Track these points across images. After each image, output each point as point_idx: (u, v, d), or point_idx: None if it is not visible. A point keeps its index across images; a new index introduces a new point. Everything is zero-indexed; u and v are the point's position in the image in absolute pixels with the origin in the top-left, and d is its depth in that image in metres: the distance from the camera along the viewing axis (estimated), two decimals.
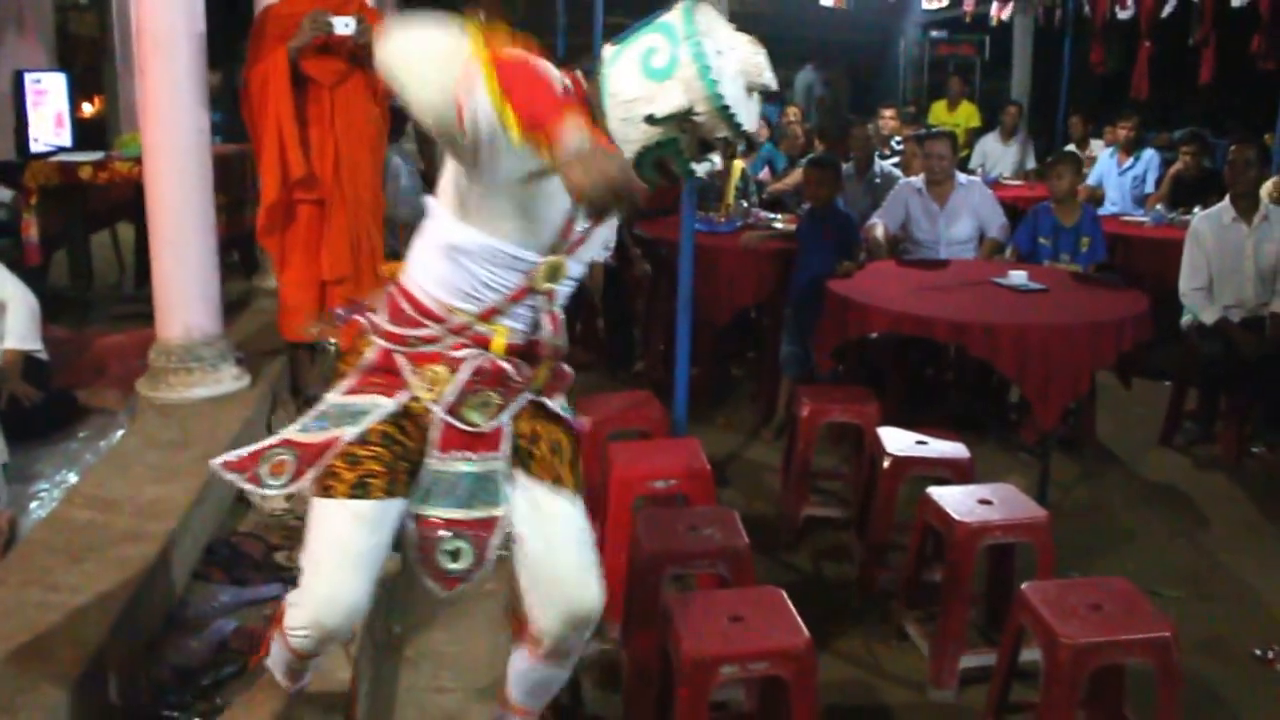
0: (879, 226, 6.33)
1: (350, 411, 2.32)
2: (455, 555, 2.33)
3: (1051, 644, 2.98)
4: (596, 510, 4.14)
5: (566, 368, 2.56)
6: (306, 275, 4.69)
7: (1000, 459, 5.60)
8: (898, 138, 9.72)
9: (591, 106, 2.15)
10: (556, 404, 2.52)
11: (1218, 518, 5.13)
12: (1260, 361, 5.48)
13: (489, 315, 2.29)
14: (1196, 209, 6.61)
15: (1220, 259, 5.74)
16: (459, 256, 2.24)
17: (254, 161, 4.78)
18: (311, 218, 4.66)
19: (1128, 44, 11.36)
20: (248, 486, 2.37)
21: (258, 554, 3.56)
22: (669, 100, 2.10)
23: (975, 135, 11.29)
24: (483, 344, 2.31)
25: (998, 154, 10.44)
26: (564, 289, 2.36)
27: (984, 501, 3.72)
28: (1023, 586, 3.21)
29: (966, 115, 11.96)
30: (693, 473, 3.96)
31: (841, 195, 6.10)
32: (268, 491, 2.34)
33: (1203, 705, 3.63)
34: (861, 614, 4.23)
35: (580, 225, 2.27)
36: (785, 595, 3.13)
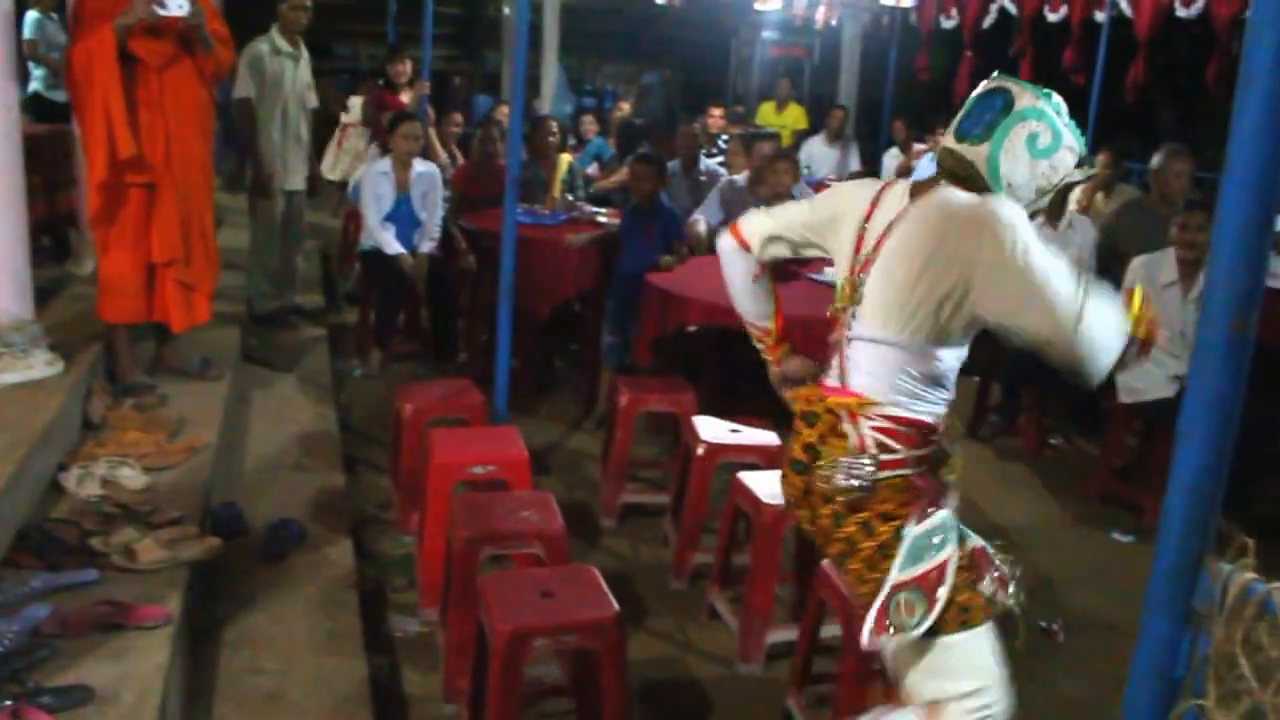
0: (701, 222, 6.59)
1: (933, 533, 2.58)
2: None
3: (849, 616, 3.23)
4: (417, 495, 4.30)
5: None
6: (135, 256, 4.73)
7: None
8: (725, 136, 10.05)
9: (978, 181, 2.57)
10: None
11: (1017, 504, 5.53)
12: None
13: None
14: None
15: None
16: (950, 375, 2.65)
17: (74, 142, 4.78)
18: (141, 200, 4.71)
19: (952, 52, 11.93)
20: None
21: (72, 539, 3.59)
22: (1065, 164, 2.59)
23: (802, 137, 11.72)
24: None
25: (822, 155, 10.87)
26: None
27: None
28: (822, 563, 3.47)
29: (794, 117, 12.39)
30: (510, 459, 4.13)
31: (666, 191, 6.35)
32: (914, 633, 2.51)
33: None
34: (676, 595, 4.47)
35: None
36: (597, 572, 3.32)
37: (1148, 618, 1.52)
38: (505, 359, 4.93)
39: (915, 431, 2.63)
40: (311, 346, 6.99)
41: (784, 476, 2.87)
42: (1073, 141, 2.58)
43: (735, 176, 6.88)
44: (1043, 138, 2.55)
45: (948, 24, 11.55)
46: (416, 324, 7.35)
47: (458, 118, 8.81)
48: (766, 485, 3.95)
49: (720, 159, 8.61)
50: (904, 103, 12.37)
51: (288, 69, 6.90)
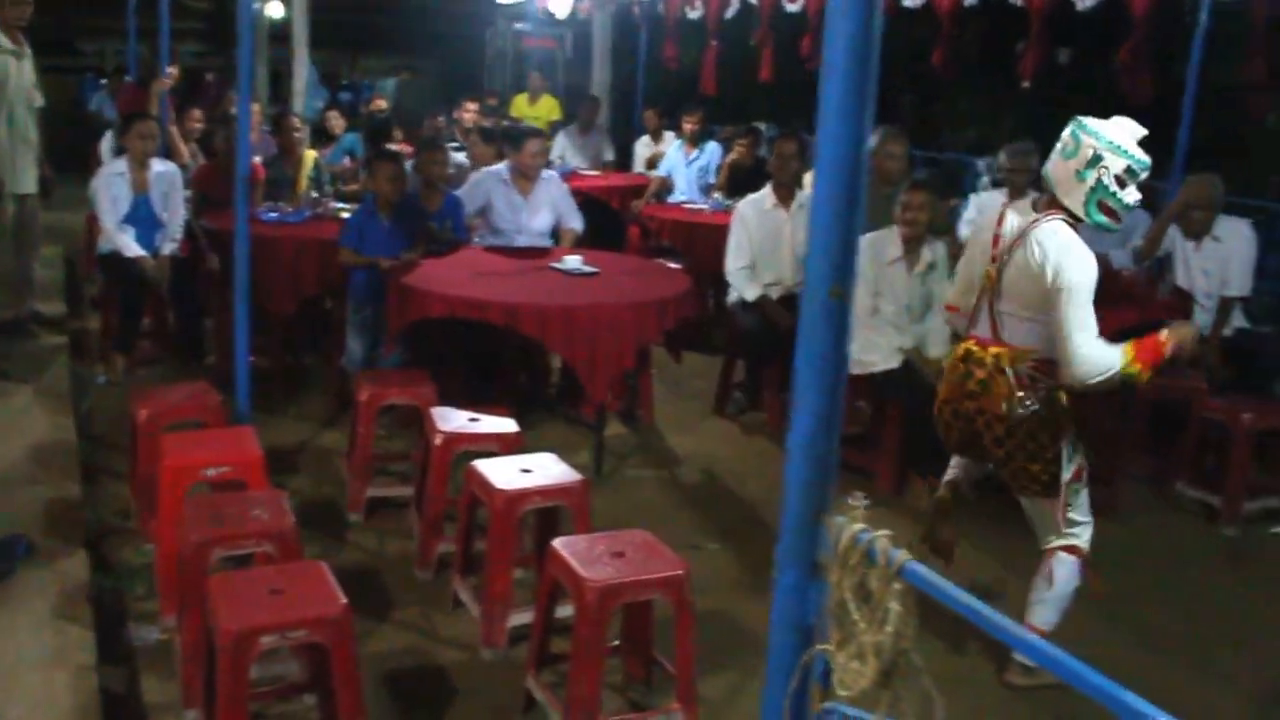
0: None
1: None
2: None
3: (579, 588, 3.31)
4: (154, 502, 4.18)
5: None
6: None
7: (565, 433, 5.99)
8: (483, 125, 10.03)
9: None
10: None
11: (759, 478, 5.72)
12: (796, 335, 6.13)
13: None
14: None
15: (762, 241, 6.34)
16: None
17: None
18: None
19: (699, 42, 12.16)
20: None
21: None
22: (1082, 159, 3.53)
23: (556, 127, 11.78)
24: None
25: (576, 146, 10.95)
26: None
27: (525, 471, 4.04)
28: (553, 542, 3.53)
29: (548, 108, 12.45)
30: (245, 459, 4.06)
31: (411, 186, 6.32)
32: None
33: (730, 636, 4.10)
34: (422, 585, 4.47)
35: None
36: (326, 567, 3.30)
37: (779, 571, 1.61)
38: (244, 358, 4.84)
39: (1052, 368, 3.65)
40: (51, 354, 6.69)
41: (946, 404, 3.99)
42: (1095, 144, 3.52)
43: (498, 167, 6.82)
44: (1065, 142, 3.60)
45: (693, 14, 11.75)
46: (162, 327, 7.11)
47: (198, 114, 8.51)
48: (501, 472, 3.99)
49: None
50: (655, 92, 12.56)
51: (11, 68, 6.56)
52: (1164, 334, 3.67)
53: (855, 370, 5.49)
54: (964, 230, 6.95)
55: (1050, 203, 3.69)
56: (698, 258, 7.38)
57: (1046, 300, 3.60)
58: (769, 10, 10.78)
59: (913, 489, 5.44)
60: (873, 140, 6.49)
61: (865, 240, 5.60)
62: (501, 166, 6.79)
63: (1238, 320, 6.12)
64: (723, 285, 6.79)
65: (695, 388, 6.86)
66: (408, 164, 6.53)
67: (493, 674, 3.92)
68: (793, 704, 1.60)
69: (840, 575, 1.55)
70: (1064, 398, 3.71)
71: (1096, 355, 3.56)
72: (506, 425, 4.54)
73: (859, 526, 1.56)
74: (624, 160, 11.30)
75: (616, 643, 3.83)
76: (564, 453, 4.38)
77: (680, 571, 3.40)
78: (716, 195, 8.74)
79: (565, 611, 3.67)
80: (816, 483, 1.58)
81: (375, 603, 4.32)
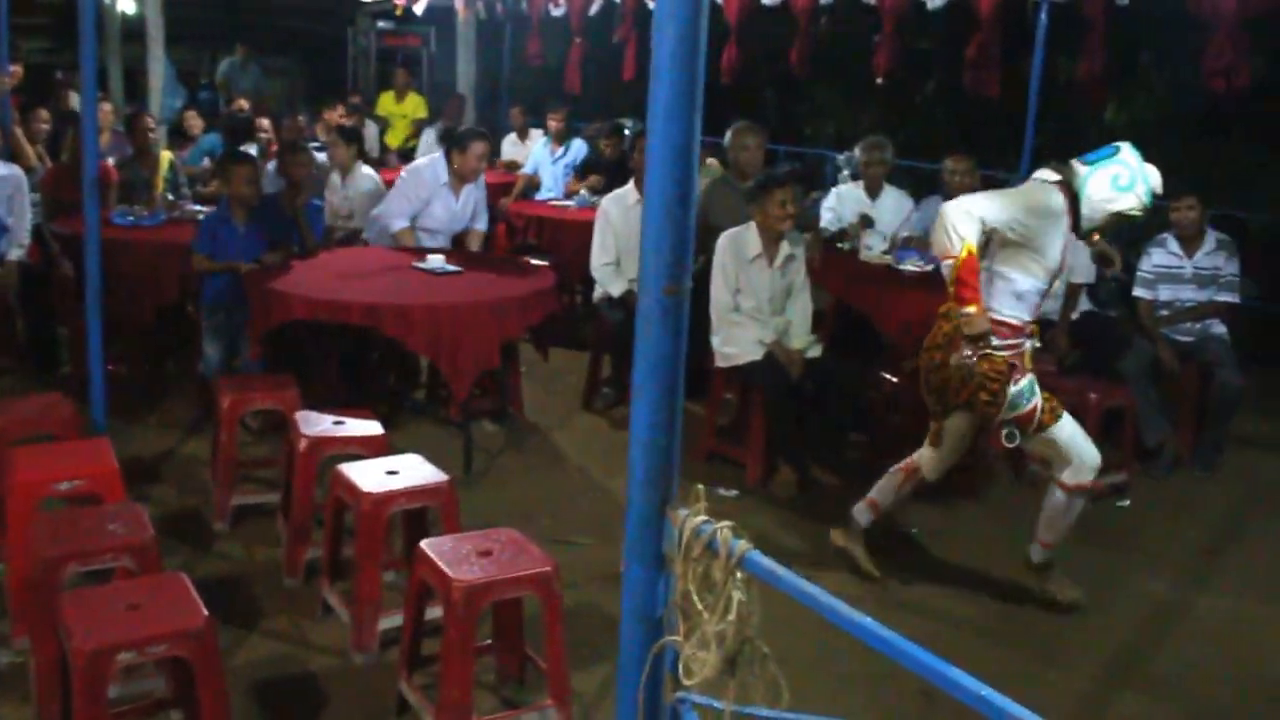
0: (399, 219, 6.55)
1: (1026, 391, 4.35)
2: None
3: (446, 589, 3.29)
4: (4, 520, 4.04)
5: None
6: None
7: (434, 433, 5.95)
8: (348, 125, 9.88)
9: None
10: None
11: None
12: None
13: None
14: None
15: (626, 237, 6.36)
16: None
17: None
18: None
19: (563, 39, 12.14)
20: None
21: None
22: (1126, 203, 4.22)
23: (423, 125, 11.67)
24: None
25: None
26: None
27: (391, 473, 4.00)
28: (420, 543, 3.50)
29: (414, 106, 12.32)
30: (99, 472, 3.95)
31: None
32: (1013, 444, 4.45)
33: (602, 629, 4.11)
34: (291, 593, 4.40)
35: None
36: (187, 579, 3.23)
37: (626, 566, 1.63)
38: (98, 367, 4.71)
39: (1001, 327, 4.31)
40: None
41: (925, 352, 4.49)
42: (1141, 192, 4.20)
43: (438, 169, 6.70)
44: (1122, 178, 4.21)
45: (557, 12, 11.74)
46: (12, 336, 6.86)
47: (45, 114, 8.21)
48: (367, 475, 3.95)
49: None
50: (520, 90, 12.52)
51: None
52: (987, 314, 4.27)
53: (720, 364, 5.60)
54: (826, 218, 7.08)
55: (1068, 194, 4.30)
56: (564, 254, 7.39)
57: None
58: (632, 8, 10.81)
59: (781, 476, 5.52)
60: (727, 136, 6.59)
61: (725, 237, 5.65)
62: (440, 168, 6.64)
63: (1083, 304, 6.32)
64: (590, 282, 6.81)
65: (564, 384, 6.86)
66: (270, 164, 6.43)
67: (364, 679, 3.87)
68: (646, 695, 1.61)
69: (685, 567, 1.57)
70: (1002, 359, 4.30)
71: (961, 212, 4.21)
72: (372, 427, 4.49)
73: (701, 519, 1.58)
74: (490, 158, 11.22)
75: (489, 642, 3.82)
76: (433, 453, 4.35)
77: (548, 568, 3.41)
78: (582, 191, 8.74)
79: (436, 613, 3.64)
80: (659, 477, 1.60)
81: (242, 612, 4.24)
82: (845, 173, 8.39)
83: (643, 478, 1.60)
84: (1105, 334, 6.32)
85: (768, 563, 1.49)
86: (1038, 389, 4.39)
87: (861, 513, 4.75)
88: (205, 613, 3.05)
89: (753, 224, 5.59)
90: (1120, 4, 7.21)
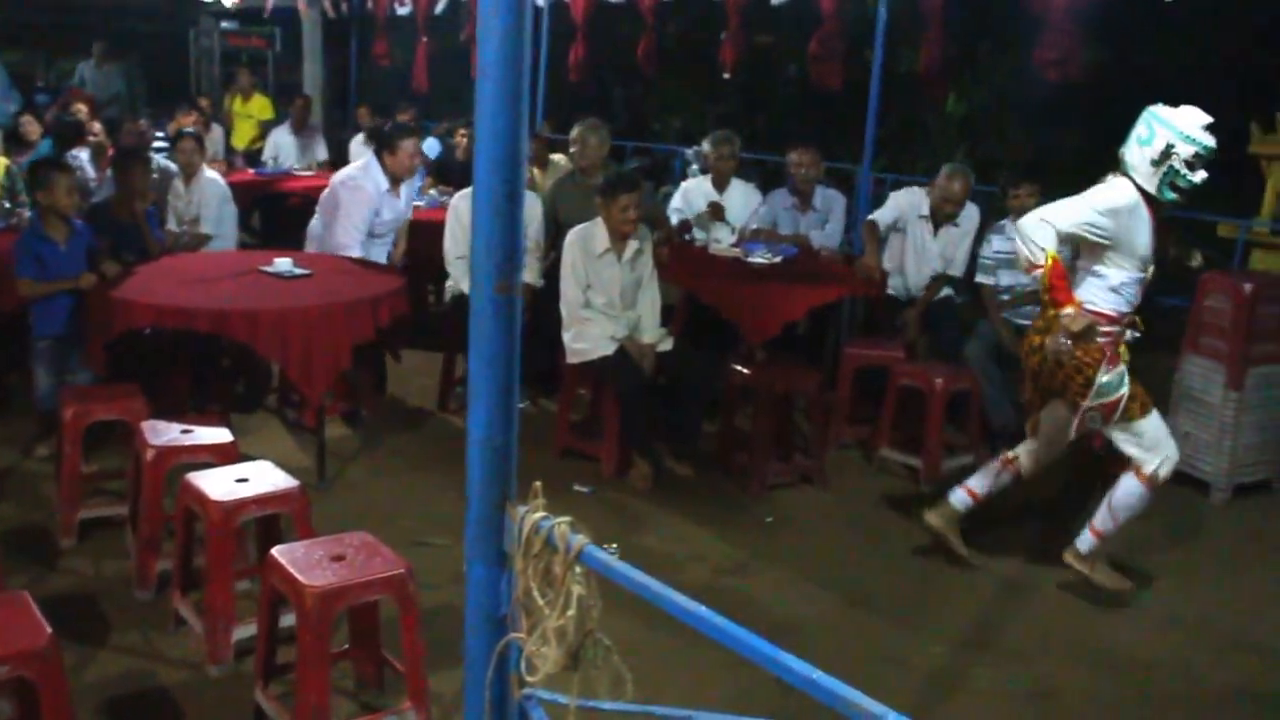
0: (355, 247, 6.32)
1: (1115, 381, 4.43)
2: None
3: (298, 595, 3.22)
4: None
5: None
6: None
7: (288, 438, 5.84)
8: (189, 129, 9.61)
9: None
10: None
11: None
12: (523, 328, 6.16)
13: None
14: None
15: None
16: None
17: None
18: None
19: (410, 39, 12.02)
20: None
21: None
22: (1159, 153, 4.19)
23: (269, 126, 11.43)
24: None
25: (289, 146, 10.65)
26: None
27: (241, 480, 3.90)
28: (272, 550, 3.43)
29: (260, 107, 12.05)
30: None
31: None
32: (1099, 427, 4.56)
33: (461, 630, 4.03)
34: (142, 606, 4.27)
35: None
36: (29, 597, 3.11)
37: (468, 565, 1.62)
38: None
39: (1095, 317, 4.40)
40: None
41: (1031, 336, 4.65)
42: (1169, 134, 4.16)
43: (376, 174, 6.42)
44: (1142, 134, 4.23)
45: (403, 11, 11.63)
46: None
47: None
48: (216, 483, 3.85)
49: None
50: (370, 90, 12.36)
51: None
52: (1084, 311, 4.36)
53: (573, 360, 5.60)
54: (675, 217, 7.13)
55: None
56: (417, 254, 7.30)
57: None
58: (476, 6, 10.70)
59: (636, 471, 5.55)
60: (573, 133, 6.60)
61: (573, 234, 5.66)
62: (379, 176, 6.33)
63: (943, 291, 6.51)
64: (443, 282, 6.75)
65: (418, 385, 6.79)
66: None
67: (220, 691, 3.78)
68: (492, 693, 1.61)
69: (525, 564, 1.57)
70: (1099, 347, 4.42)
71: (1036, 222, 4.34)
72: (221, 435, 4.38)
73: (540, 515, 1.58)
74: (340, 159, 11.05)
75: (346, 647, 3.76)
76: (287, 458, 4.28)
77: (402, 570, 3.37)
78: (432, 191, 8.65)
79: (291, 620, 3.57)
80: (497, 475, 1.59)
81: (92, 629, 4.10)
82: (694, 167, 8.47)
83: (481, 476, 1.60)
84: (950, 320, 6.51)
85: (605, 556, 1.50)
86: (1127, 381, 4.45)
87: (960, 500, 4.88)
88: (49, 631, 2.95)
89: (600, 220, 5.60)
90: None
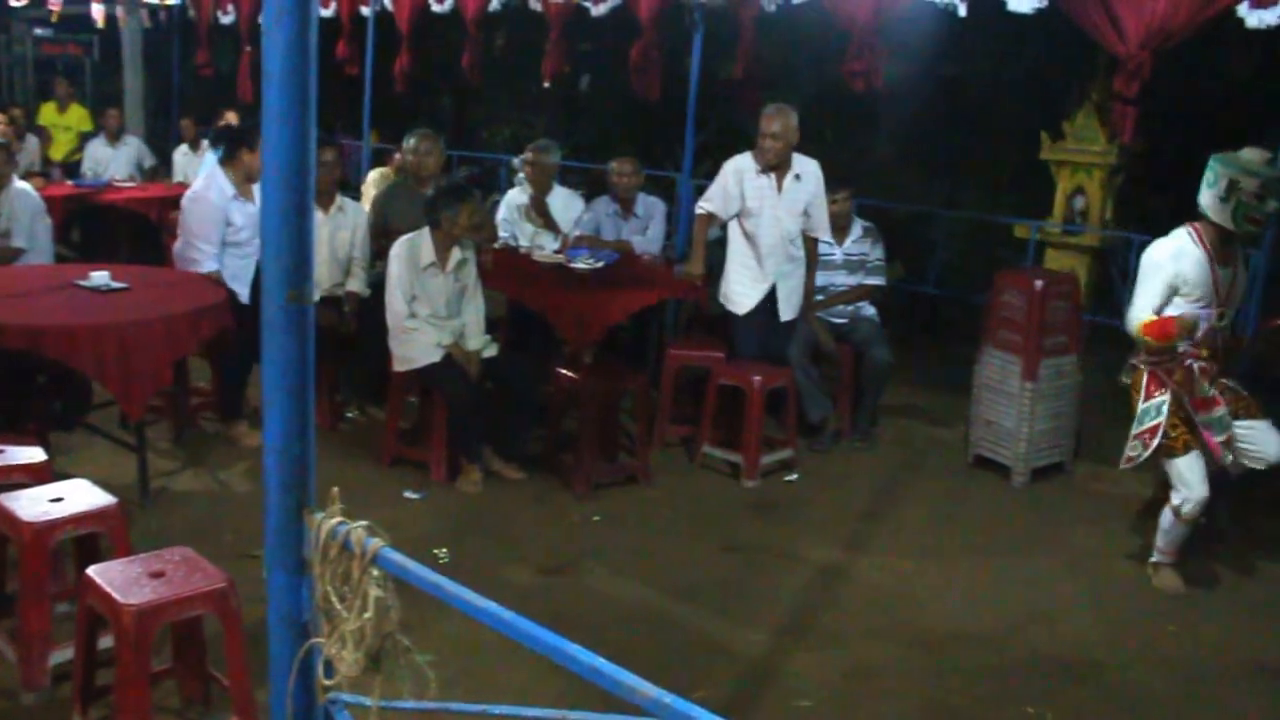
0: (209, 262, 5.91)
1: (1153, 409, 4.73)
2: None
3: (115, 614, 3.12)
4: None
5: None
6: None
7: (110, 455, 5.62)
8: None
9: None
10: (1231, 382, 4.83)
11: (321, 477, 5.58)
12: (345, 338, 6.07)
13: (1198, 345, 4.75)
14: None
15: None
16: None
17: None
18: None
19: (234, 48, 11.71)
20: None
21: None
22: (1225, 191, 4.53)
23: (87, 138, 11.01)
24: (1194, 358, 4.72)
25: (107, 157, 10.28)
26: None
27: (55, 500, 3.75)
28: (87, 570, 3.31)
29: (78, 117, 11.60)
30: None
31: None
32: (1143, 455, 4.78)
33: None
34: None
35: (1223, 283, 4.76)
36: None
37: (268, 573, 1.60)
38: None
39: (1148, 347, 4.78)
40: None
41: None
42: (1230, 172, 4.52)
43: (221, 181, 6.07)
44: (1209, 177, 4.58)
45: (226, 19, 11.32)
46: None
47: None
48: (28, 504, 3.69)
49: None
50: (193, 100, 12.00)
51: None
52: (1174, 317, 4.67)
53: (400, 368, 5.56)
54: (503, 229, 7.12)
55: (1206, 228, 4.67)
56: None
57: None
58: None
59: (465, 475, 5.52)
60: (406, 142, 6.53)
61: (398, 245, 5.60)
62: (223, 182, 5.95)
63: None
64: None
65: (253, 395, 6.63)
66: None
67: (36, 718, 3.63)
68: (297, 699, 1.59)
69: (323, 569, 1.55)
70: (1143, 373, 4.80)
71: (1132, 317, 4.78)
72: (34, 454, 4.19)
73: (336, 520, 1.57)
74: (166, 170, 10.72)
75: (169, 665, 3.65)
76: (107, 476, 4.13)
77: (223, 585, 3.28)
78: None
79: (112, 641, 3.45)
80: (294, 482, 1.57)
81: None
82: (521, 174, 8.45)
83: (278, 484, 1.57)
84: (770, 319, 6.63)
85: (400, 558, 1.49)
86: (1166, 412, 4.68)
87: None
88: None
89: (426, 231, 5.55)
90: (769, 11, 7.58)
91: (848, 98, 8.13)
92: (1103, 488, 6.03)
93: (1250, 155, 4.59)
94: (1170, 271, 4.68)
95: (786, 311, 6.15)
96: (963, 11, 6.43)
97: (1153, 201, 9.07)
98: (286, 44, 1.38)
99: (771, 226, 6.04)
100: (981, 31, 7.45)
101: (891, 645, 4.31)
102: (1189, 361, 4.73)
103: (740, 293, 6.13)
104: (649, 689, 1.24)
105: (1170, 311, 4.71)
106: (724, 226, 6.24)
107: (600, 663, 1.29)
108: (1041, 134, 8.56)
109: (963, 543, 5.30)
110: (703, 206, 6.21)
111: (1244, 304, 5.01)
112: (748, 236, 6.09)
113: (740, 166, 6.08)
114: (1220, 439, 4.70)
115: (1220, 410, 4.71)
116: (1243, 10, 5.57)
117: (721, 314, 6.34)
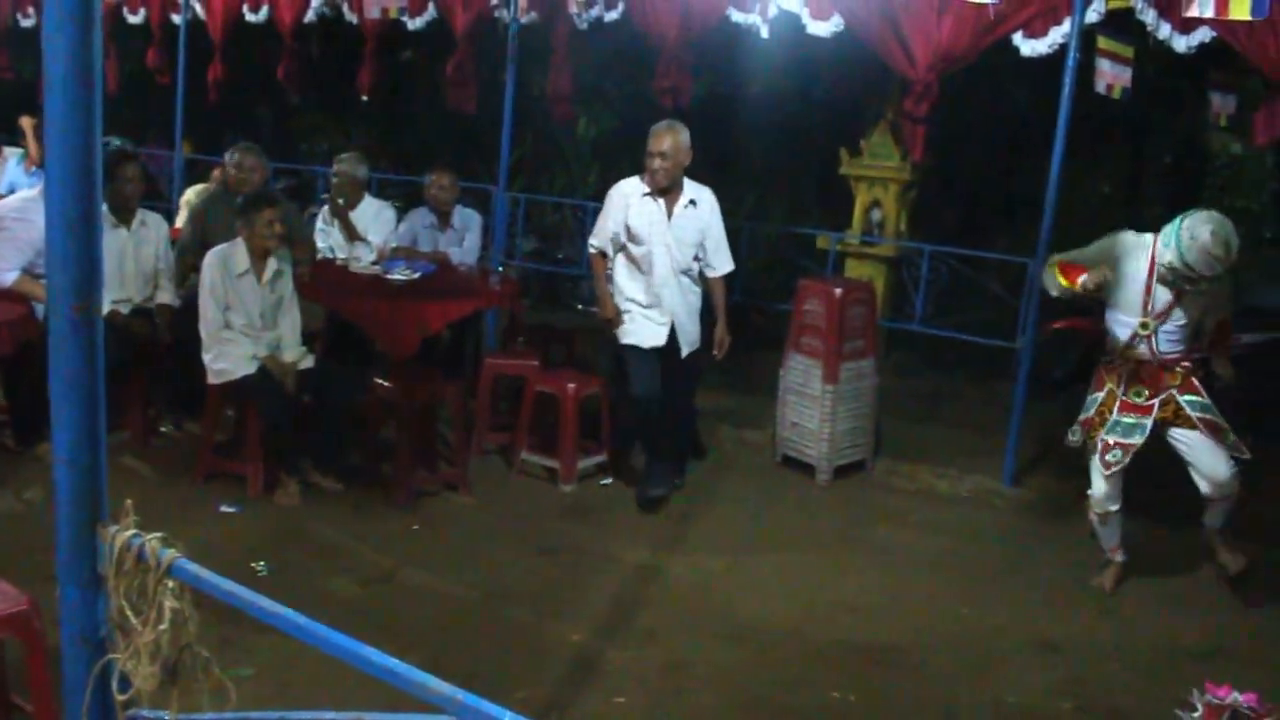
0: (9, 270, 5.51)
1: (1091, 401, 4.90)
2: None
3: None
4: None
5: (1195, 379, 4.76)
6: None
7: None
8: None
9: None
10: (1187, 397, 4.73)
11: (120, 498, 5.34)
12: (159, 351, 5.86)
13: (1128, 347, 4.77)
14: None
15: (105, 259, 5.88)
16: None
17: None
18: None
19: (35, 52, 11.14)
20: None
21: None
22: (1166, 259, 4.51)
23: None
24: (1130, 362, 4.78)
25: None
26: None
27: None
28: None
29: None
30: None
31: None
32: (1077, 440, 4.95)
33: None
34: None
35: (1157, 301, 4.66)
36: None
37: (61, 590, 1.54)
38: None
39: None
40: None
41: None
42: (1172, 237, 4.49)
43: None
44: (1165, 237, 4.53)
45: (26, 23, 10.79)
46: None
47: None
48: None
49: None
50: None
51: None
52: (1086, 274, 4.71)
53: (215, 380, 5.39)
54: (320, 240, 6.97)
55: None
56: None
57: None
58: (109, 21, 10.11)
59: (283, 488, 5.38)
60: (230, 155, 6.35)
61: (212, 254, 5.44)
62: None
63: None
64: None
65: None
66: None
67: None
68: (93, 716, 1.52)
69: (118, 582, 1.50)
70: (1100, 368, 4.92)
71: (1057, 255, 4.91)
72: None
73: (131, 533, 1.51)
74: None
75: None
76: None
77: (24, 607, 3.11)
78: None
79: None
80: (86, 496, 1.51)
81: None
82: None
83: (69, 498, 1.51)
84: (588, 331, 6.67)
85: (195, 568, 1.45)
86: (1095, 407, 4.84)
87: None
88: None
89: (240, 240, 5.41)
90: (581, 29, 7.63)
91: (660, 113, 8.24)
92: (901, 483, 6.26)
93: (1200, 241, 4.41)
94: (1112, 255, 4.71)
95: (687, 346, 5.67)
96: (765, 33, 6.60)
97: (944, 214, 9.45)
98: (69, 50, 1.32)
99: (662, 256, 5.53)
100: (787, 52, 7.63)
101: (705, 640, 4.37)
102: (1126, 366, 4.77)
103: (635, 329, 5.59)
104: (442, 686, 1.24)
105: (1108, 303, 4.79)
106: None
107: (394, 664, 1.28)
108: (841, 150, 8.83)
109: (771, 540, 5.42)
110: (593, 245, 5.82)
111: (1202, 336, 4.85)
112: (637, 265, 5.59)
113: (626, 190, 5.59)
114: (1113, 440, 4.74)
115: (1142, 419, 4.72)
116: (1018, 39, 5.90)
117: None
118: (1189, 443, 4.72)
